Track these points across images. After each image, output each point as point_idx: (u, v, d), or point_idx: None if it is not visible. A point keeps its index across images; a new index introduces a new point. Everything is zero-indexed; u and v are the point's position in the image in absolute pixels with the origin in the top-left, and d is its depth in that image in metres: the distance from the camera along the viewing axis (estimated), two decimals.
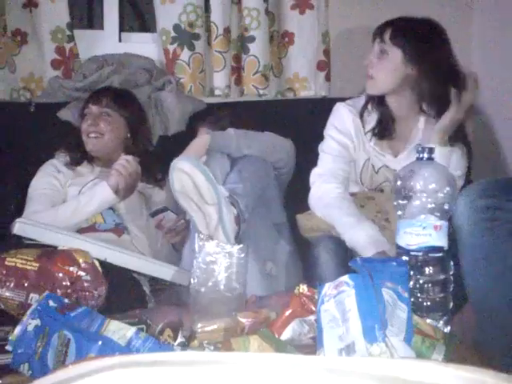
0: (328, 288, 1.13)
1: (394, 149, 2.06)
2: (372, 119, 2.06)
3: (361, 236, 1.83)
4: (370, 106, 2.06)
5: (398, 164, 2.00)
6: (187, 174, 1.70)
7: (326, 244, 1.86)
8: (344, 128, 2.07)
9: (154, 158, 2.30)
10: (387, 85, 1.99)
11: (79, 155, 2.27)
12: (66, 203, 2.13)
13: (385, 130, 2.04)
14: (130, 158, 2.09)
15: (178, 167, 1.71)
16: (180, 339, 1.24)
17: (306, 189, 2.06)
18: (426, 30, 1.98)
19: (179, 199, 1.75)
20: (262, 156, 2.04)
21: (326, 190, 1.98)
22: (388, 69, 1.97)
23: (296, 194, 2.16)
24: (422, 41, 1.96)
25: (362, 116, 2.06)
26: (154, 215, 2.10)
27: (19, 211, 2.11)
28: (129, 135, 2.28)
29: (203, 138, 2.08)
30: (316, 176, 2.03)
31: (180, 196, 1.73)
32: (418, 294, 1.28)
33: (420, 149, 1.36)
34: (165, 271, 1.85)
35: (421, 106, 2.01)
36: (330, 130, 2.09)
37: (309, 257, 1.89)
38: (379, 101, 2.05)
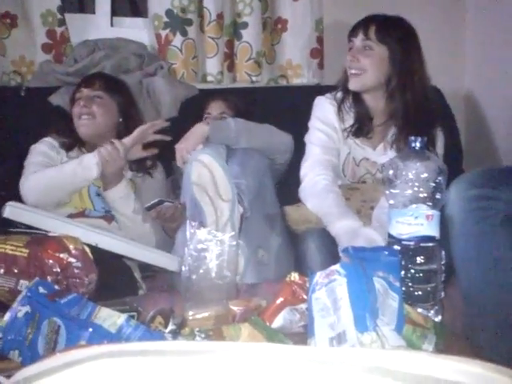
0: (319, 276, 1.12)
1: (372, 142, 2.10)
2: (350, 117, 2.09)
3: (342, 228, 1.84)
4: (347, 103, 2.09)
5: (377, 156, 2.08)
6: (207, 167, 1.68)
7: (315, 237, 1.87)
8: (328, 120, 2.10)
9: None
10: (373, 80, 2.03)
11: (70, 140, 2.25)
12: (67, 163, 2.10)
13: (362, 128, 2.08)
14: (116, 141, 2.06)
15: (198, 159, 1.69)
16: (171, 326, 1.24)
17: (295, 179, 2.06)
18: (406, 31, 2.04)
19: (194, 190, 1.73)
20: (260, 150, 2.03)
21: (317, 181, 1.99)
22: (375, 64, 2.01)
23: (285, 184, 2.15)
24: (405, 40, 2.02)
25: (339, 111, 2.09)
26: (150, 209, 2.08)
27: (10, 195, 2.09)
28: (120, 120, 2.25)
29: (201, 127, 2.06)
30: (307, 168, 2.04)
31: (195, 187, 1.71)
32: (410, 284, 1.28)
33: (412, 138, 1.36)
34: (156, 257, 1.84)
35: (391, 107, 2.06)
36: (315, 123, 2.12)
37: (297, 249, 1.89)
38: (356, 98, 2.08)
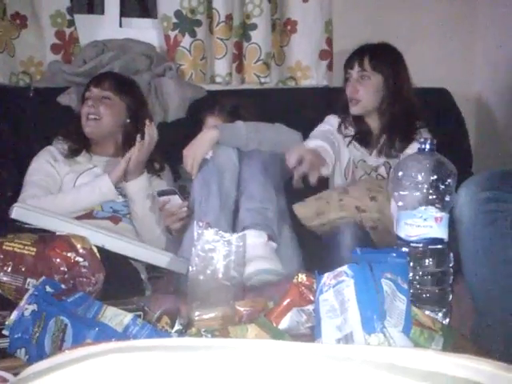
0: (327, 278, 1.12)
1: (368, 148, 2.30)
2: (350, 131, 2.31)
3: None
4: (348, 122, 2.31)
5: (372, 160, 2.28)
6: None
7: (348, 231, 1.90)
8: (331, 123, 2.31)
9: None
10: (371, 105, 2.24)
11: (77, 144, 2.24)
12: (66, 192, 2.10)
13: (362, 141, 2.30)
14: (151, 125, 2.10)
15: None
16: (177, 327, 1.23)
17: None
18: (395, 55, 2.28)
19: None
20: (271, 150, 2.03)
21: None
22: (372, 91, 2.22)
23: (289, 183, 2.14)
24: (395, 64, 2.26)
25: (343, 124, 2.30)
26: (161, 195, 2.08)
27: (17, 196, 2.10)
28: (128, 120, 2.25)
29: (210, 132, 2.03)
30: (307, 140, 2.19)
31: None
32: (418, 286, 1.28)
33: (422, 140, 1.35)
34: (162, 259, 1.84)
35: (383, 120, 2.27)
36: (318, 126, 2.31)
37: (330, 244, 1.91)
38: (356, 119, 2.29)
